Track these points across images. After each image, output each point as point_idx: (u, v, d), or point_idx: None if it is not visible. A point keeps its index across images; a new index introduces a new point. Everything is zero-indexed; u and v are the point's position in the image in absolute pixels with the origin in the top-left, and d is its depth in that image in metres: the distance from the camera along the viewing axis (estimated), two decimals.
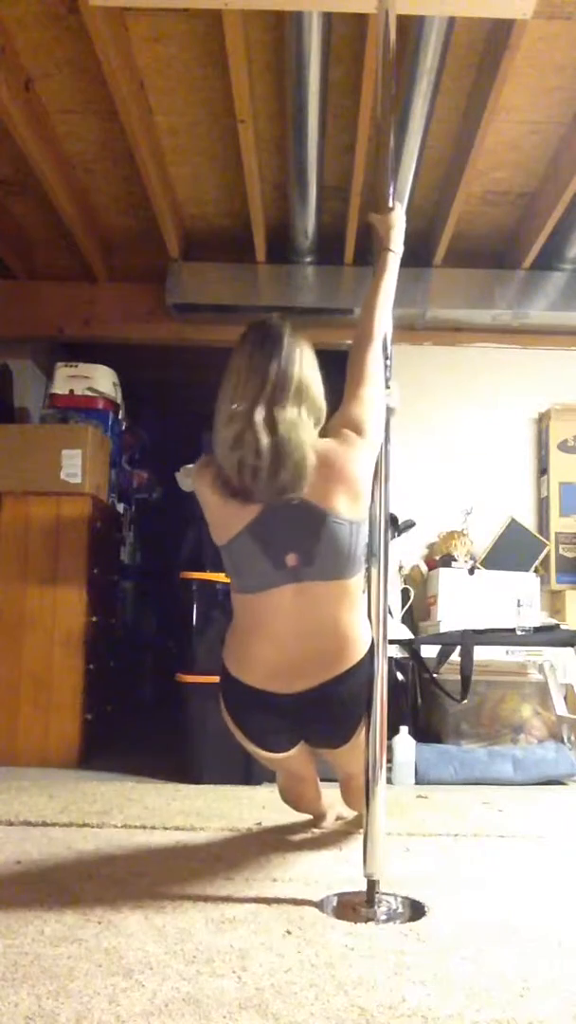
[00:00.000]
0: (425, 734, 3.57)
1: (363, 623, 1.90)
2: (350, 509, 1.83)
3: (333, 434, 1.88)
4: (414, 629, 4.00)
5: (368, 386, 1.93)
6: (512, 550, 4.11)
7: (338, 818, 2.45)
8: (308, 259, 4.16)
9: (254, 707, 1.93)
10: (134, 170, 3.48)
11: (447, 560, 4.00)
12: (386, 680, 1.86)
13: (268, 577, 1.85)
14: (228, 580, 1.96)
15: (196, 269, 4.22)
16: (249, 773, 3.10)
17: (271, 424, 1.76)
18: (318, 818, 2.42)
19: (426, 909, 1.76)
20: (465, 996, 1.34)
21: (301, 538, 1.82)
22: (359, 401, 1.91)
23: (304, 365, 1.83)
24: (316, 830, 2.40)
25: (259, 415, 1.77)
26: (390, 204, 2.08)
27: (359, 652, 1.88)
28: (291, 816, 2.50)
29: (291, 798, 2.37)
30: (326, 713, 1.90)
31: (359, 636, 1.88)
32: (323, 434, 1.88)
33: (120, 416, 4.51)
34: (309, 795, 2.33)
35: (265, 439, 1.75)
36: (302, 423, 1.80)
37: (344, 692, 1.87)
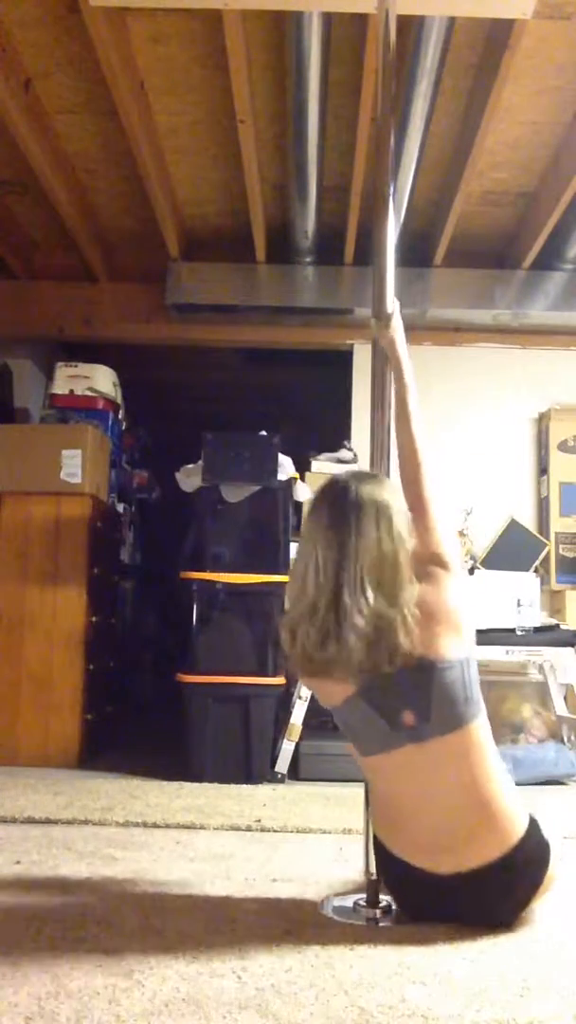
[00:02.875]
0: None
1: (505, 786, 1.71)
2: (456, 647, 1.70)
3: (420, 576, 1.73)
4: None
5: (433, 514, 1.86)
6: (512, 550, 4.11)
7: None
8: (308, 259, 4.15)
9: (407, 883, 1.74)
10: (134, 170, 3.48)
11: None
12: None
13: (388, 738, 1.70)
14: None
15: (196, 269, 4.21)
16: (250, 772, 3.10)
17: (358, 616, 1.63)
18: None
19: None
20: (465, 996, 1.34)
21: (414, 693, 1.67)
22: (430, 532, 1.81)
23: (382, 528, 1.68)
24: None
25: (343, 607, 1.63)
26: (388, 309, 1.98)
27: (513, 831, 1.67)
28: (291, 815, 2.49)
29: None
30: (484, 902, 1.68)
31: (506, 807, 1.68)
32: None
33: (120, 416, 4.51)
34: None
35: (352, 636, 1.62)
36: (388, 600, 1.65)
37: (503, 882, 1.66)
